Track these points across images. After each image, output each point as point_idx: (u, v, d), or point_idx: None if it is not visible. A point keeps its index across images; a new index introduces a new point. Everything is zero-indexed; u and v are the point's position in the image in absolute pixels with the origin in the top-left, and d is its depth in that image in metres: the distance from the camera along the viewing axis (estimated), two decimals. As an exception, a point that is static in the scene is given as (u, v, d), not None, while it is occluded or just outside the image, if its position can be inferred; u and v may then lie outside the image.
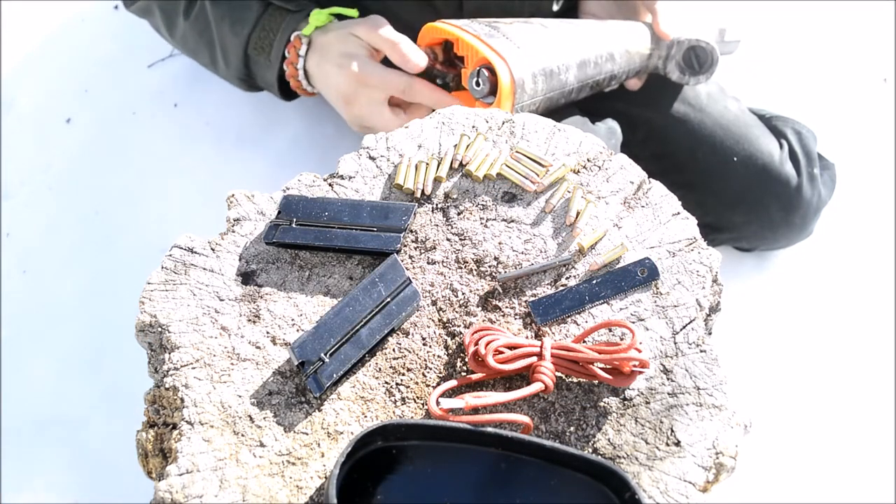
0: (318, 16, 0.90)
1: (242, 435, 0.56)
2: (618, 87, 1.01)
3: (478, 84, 0.82)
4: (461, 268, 0.65)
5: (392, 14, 0.93)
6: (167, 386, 0.57)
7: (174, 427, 0.57)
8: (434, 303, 0.63)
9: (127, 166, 1.22)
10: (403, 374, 0.60)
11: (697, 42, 0.95)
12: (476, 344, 0.58)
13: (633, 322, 0.62)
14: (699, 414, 0.57)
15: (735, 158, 1.02)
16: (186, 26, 0.97)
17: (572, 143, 0.71)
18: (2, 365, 1.08)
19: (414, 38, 0.89)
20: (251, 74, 0.98)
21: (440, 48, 0.89)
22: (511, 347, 0.58)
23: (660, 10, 0.95)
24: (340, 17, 0.93)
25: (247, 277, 0.63)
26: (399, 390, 0.59)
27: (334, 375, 0.57)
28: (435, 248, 0.65)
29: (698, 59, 0.96)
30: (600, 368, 0.57)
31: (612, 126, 0.99)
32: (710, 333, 0.63)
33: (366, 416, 0.58)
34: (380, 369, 0.60)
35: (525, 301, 0.63)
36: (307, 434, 0.56)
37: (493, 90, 0.82)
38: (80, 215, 1.19)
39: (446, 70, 0.87)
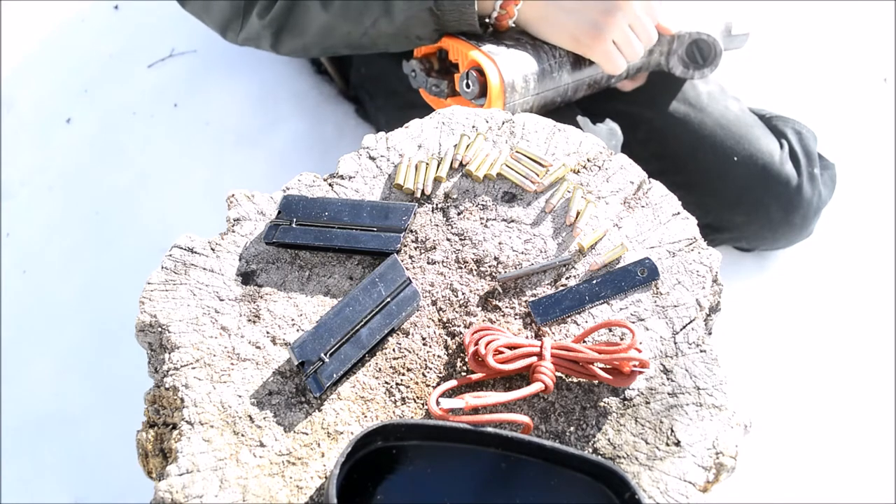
0: None
1: (242, 435, 0.56)
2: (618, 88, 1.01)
3: (468, 86, 0.82)
4: (461, 268, 0.65)
5: None
6: (167, 386, 0.57)
7: (174, 427, 0.57)
8: (434, 303, 0.63)
9: (127, 166, 1.22)
10: (403, 374, 0.60)
11: (699, 35, 0.94)
12: (476, 344, 0.58)
13: (633, 322, 0.62)
14: (699, 414, 0.57)
15: (735, 158, 1.02)
16: None
17: (572, 143, 0.71)
18: (2, 365, 1.08)
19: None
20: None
21: (435, 57, 0.89)
22: (511, 347, 0.58)
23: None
24: None
25: (247, 277, 0.63)
26: (399, 390, 0.59)
27: (334, 375, 0.57)
28: (435, 248, 0.65)
29: (701, 53, 0.96)
30: (600, 368, 0.57)
31: (612, 127, 0.99)
32: (710, 333, 0.63)
33: (366, 416, 0.58)
34: (380, 369, 0.60)
35: (525, 301, 0.63)
36: (307, 434, 0.56)
37: (484, 91, 0.82)
38: (80, 215, 1.19)
39: (441, 78, 0.88)
